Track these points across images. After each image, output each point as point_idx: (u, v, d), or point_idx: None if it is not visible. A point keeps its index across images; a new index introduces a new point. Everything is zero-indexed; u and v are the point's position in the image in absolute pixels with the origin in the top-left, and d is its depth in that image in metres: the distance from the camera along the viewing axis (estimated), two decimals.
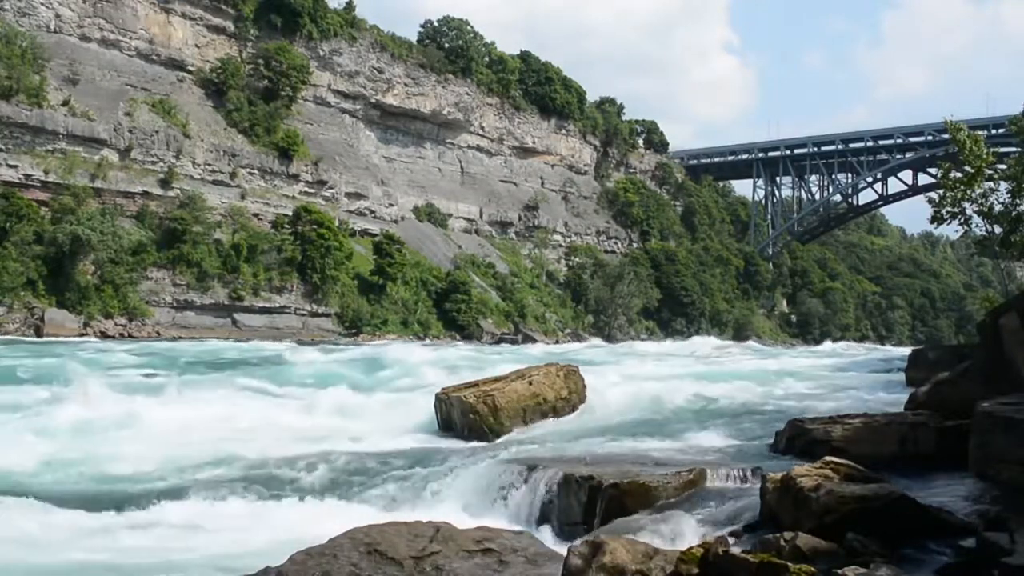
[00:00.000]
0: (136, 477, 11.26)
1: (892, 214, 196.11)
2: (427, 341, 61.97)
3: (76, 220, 49.35)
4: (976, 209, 22.10)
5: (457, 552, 7.35)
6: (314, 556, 7.20)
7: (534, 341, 65.26)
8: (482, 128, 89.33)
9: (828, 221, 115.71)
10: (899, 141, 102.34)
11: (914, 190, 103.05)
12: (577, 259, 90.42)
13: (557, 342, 69.05)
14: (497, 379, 15.60)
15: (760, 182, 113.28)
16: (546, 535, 8.34)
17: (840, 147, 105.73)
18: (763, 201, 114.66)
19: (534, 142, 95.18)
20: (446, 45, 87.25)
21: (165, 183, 58.02)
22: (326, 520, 8.75)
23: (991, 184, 22.26)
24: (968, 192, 21.81)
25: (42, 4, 56.78)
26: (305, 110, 72.84)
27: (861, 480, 7.56)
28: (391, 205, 78.01)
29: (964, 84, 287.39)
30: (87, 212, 51.09)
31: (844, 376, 25.04)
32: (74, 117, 54.23)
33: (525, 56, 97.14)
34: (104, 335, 47.20)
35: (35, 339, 41.61)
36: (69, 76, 55.90)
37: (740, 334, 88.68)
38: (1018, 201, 21.26)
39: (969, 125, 23.85)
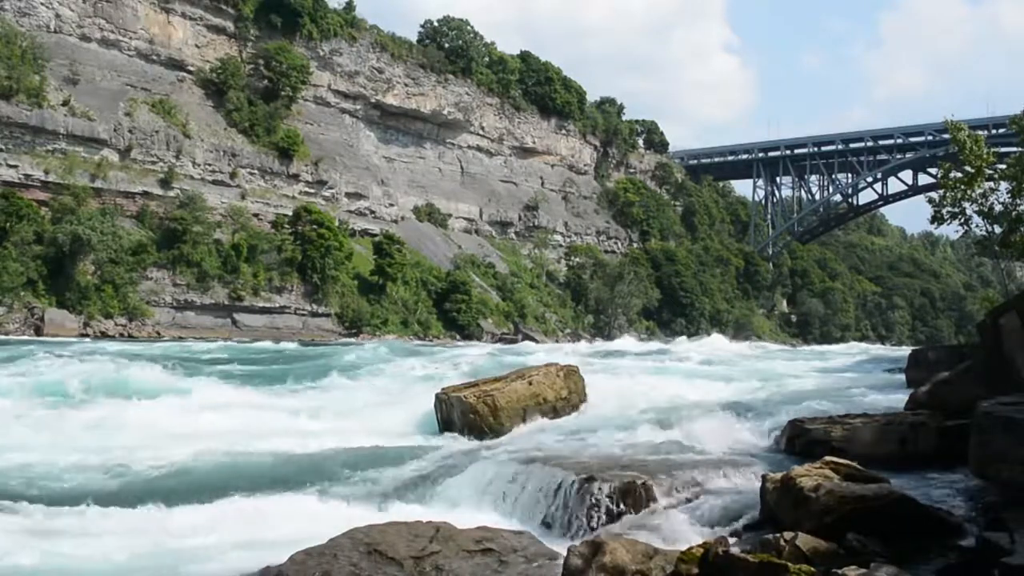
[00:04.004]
0: (133, 475, 11.26)
1: (892, 214, 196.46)
2: (424, 340, 61.96)
3: (76, 220, 49.39)
4: (976, 209, 22.08)
5: (457, 552, 7.35)
6: (314, 556, 7.21)
7: (536, 341, 65.15)
8: (482, 128, 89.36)
9: (828, 221, 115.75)
10: (899, 141, 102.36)
11: (914, 190, 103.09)
12: (577, 259, 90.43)
13: (557, 341, 69.02)
14: (497, 379, 15.60)
15: (760, 182, 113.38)
16: (546, 535, 8.33)
17: (840, 147, 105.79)
18: (763, 201, 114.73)
19: (534, 142, 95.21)
20: (446, 45, 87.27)
21: (165, 183, 58.06)
22: (326, 520, 8.75)
23: (991, 184, 22.24)
24: (968, 192, 21.78)
25: (42, 4, 56.81)
26: (305, 110, 72.86)
27: (861, 480, 7.56)
28: (391, 205, 78.03)
29: (963, 84, 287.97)
30: (87, 212, 51.15)
31: (844, 376, 25.02)
32: (74, 117, 54.26)
33: (525, 56, 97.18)
34: (104, 335, 47.20)
35: (35, 339, 41.56)
36: (69, 76, 55.93)
37: (740, 334, 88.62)
38: (1018, 201, 21.23)
39: (969, 125, 23.80)
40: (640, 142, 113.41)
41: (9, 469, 11.15)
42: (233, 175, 63.32)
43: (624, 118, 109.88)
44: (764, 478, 8.10)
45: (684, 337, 69.46)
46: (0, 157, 50.02)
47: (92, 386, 17.92)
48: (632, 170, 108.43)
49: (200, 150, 61.63)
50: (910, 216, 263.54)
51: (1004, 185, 22.15)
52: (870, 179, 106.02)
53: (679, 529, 8.01)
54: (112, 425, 14.61)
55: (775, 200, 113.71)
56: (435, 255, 77.07)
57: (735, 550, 6.08)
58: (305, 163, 69.29)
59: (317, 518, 9.06)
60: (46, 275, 48.40)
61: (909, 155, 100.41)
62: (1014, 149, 32.76)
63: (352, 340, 55.53)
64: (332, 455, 12.32)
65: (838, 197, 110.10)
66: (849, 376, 25.01)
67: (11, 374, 19.61)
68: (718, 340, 57.80)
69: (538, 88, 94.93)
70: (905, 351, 31.07)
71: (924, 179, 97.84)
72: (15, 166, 50.56)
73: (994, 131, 62.81)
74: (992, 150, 22.87)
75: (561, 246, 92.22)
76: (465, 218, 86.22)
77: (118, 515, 9.37)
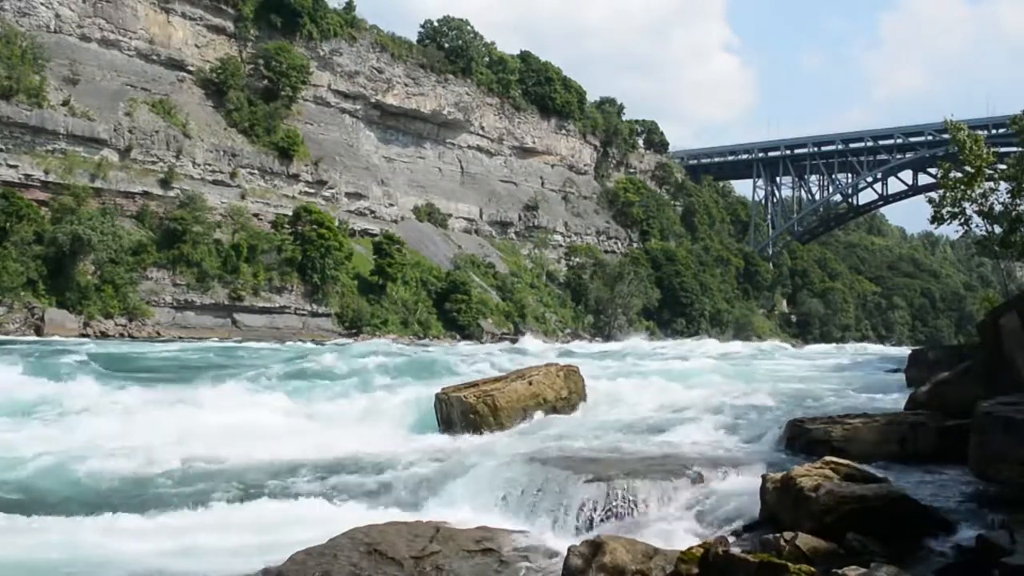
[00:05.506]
0: (146, 478, 11.27)
1: (892, 214, 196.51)
2: (427, 341, 62.00)
3: (76, 220, 49.35)
4: (976, 209, 22.02)
5: (457, 552, 7.36)
6: (314, 556, 7.21)
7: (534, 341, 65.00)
8: (482, 128, 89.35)
9: (828, 221, 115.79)
10: (899, 141, 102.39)
11: (914, 190, 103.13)
12: (577, 259, 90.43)
13: (556, 341, 68.94)
14: (497, 379, 15.62)
15: (760, 182, 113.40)
16: (546, 535, 8.33)
17: (840, 147, 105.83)
18: (763, 201, 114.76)
19: (534, 142, 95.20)
20: (446, 45, 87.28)
21: (165, 183, 58.04)
22: (326, 520, 8.75)
23: (991, 184, 22.19)
24: (968, 192, 21.73)
25: (42, 4, 56.78)
26: (305, 110, 72.84)
27: (861, 480, 7.56)
28: (391, 205, 78.03)
29: (963, 84, 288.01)
30: (87, 212, 51.11)
31: (844, 376, 25.03)
32: (74, 117, 54.23)
33: (525, 56, 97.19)
34: (104, 335, 47.19)
35: (35, 339, 41.57)
36: (69, 76, 55.90)
37: (740, 334, 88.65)
38: (1018, 201, 21.19)
39: (969, 125, 23.76)
40: (640, 142, 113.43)
41: None
42: (233, 175, 63.30)
43: (624, 118, 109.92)
44: (764, 478, 8.09)
45: (670, 340, 69.11)
46: (0, 157, 49.99)
47: None
48: (632, 170, 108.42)
49: (200, 150, 61.60)
50: (910, 216, 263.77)
51: (1004, 185, 22.10)
52: (870, 179, 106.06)
53: (679, 529, 8.01)
54: None
55: (775, 200, 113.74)
56: (435, 255, 77.06)
57: (735, 550, 6.08)
58: (305, 163, 69.28)
59: (317, 518, 9.06)
60: (46, 275, 48.36)
61: (909, 155, 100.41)
62: (1014, 149, 32.75)
63: (349, 340, 55.59)
64: (331, 456, 12.32)
65: (838, 197, 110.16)
66: (849, 376, 25.03)
67: None
68: (712, 343, 57.44)
69: (538, 88, 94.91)
70: (905, 351, 31.11)
71: (924, 179, 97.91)
72: (15, 166, 50.51)
73: (994, 131, 62.81)
74: (992, 150, 22.83)
75: (561, 246, 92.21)
76: (465, 218, 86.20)
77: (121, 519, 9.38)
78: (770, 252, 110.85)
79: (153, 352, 33.23)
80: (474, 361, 26.46)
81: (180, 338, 49.02)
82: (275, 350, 37.63)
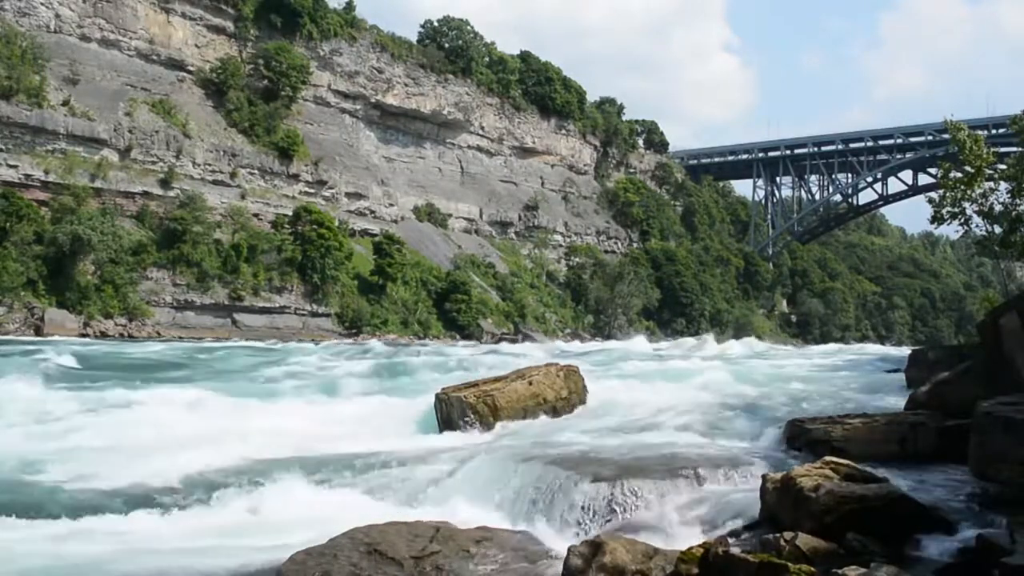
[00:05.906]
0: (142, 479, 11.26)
1: (892, 214, 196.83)
2: (427, 341, 61.98)
3: (76, 220, 49.35)
4: (976, 209, 22.00)
5: (457, 552, 7.36)
6: (314, 556, 7.21)
7: (534, 341, 65.10)
8: (482, 128, 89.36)
9: (828, 221, 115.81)
10: (899, 141, 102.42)
11: (914, 190, 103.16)
12: (577, 259, 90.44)
13: (557, 339, 68.92)
14: (497, 379, 15.60)
15: (760, 182, 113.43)
16: (546, 535, 8.33)
17: (840, 147, 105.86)
18: (763, 201, 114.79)
19: (534, 142, 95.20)
20: (446, 45, 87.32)
21: (165, 183, 58.04)
22: (326, 520, 8.74)
23: (991, 184, 22.18)
24: (968, 192, 21.72)
25: (42, 4, 56.79)
26: (305, 110, 72.85)
27: (861, 480, 7.56)
28: (391, 205, 78.04)
29: (963, 84, 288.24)
30: (87, 212, 51.12)
31: (844, 376, 25.01)
32: (74, 117, 54.23)
33: (525, 56, 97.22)
34: (104, 335, 47.19)
35: (35, 339, 41.55)
36: (69, 76, 55.90)
37: (740, 334, 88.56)
38: (1018, 201, 21.18)
39: (969, 125, 23.74)
40: (640, 142, 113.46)
41: None
42: (233, 175, 63.31)
43: (624, 118, 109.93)
44: (764, 478, 8.09)
45: (670, 340, 68.80)
46: (0, 157, 50.00)
47: None
48: (632, 170, 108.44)
49: (200, 150, 61.61)
50: (910, 216, 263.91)
51: (1004, 185, 22.09)
52: (870, 179, 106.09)
53: (679, 529, 8.00)
54: None
55: (775, 200, 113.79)
56: (435, 255, 77.06)
57: (735, 550, 6.08)
58: (305, 163, 69.29)
59: (316, 518, 9.06)
60: (46, 275, 48.36)
61: (909, 155, 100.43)
62: (1014, 149, 32.73)
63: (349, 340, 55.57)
64: (331, 456, 12.31)
65: (838, 197, 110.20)
66: (849, 376, 25.00)
67: None
68: (712, 343, 57.25)
69: (538, 88, 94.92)
70: (905, 351, 31.09)
71: (924, 179, 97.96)
72: (15, 166, 50.51)
73: (994, 131, 62.82)
74: (992, 150, 22.81)
75: (561, 246, 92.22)
76: (465, 218, 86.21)
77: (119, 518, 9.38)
78: (770, 252, 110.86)
79: (134, 352, 32.66)
80: (448, 370, 25.23)
81: (180, 338, 49.04)
82: (268, 350, 37.61)
